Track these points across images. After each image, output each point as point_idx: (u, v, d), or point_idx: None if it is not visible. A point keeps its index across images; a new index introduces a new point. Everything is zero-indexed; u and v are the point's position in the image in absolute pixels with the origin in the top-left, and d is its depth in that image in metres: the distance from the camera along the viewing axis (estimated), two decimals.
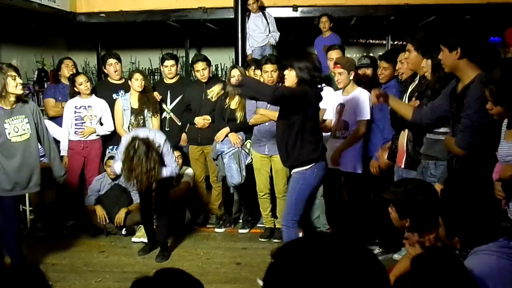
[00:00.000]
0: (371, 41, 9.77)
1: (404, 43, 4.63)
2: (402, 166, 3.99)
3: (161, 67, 5.92)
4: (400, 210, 2.64)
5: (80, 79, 5.56)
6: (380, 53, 6.83)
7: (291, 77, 3.86)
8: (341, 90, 4.80)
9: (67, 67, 5.99)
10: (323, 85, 4.95)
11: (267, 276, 1.10)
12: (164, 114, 5.86)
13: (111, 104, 5.70)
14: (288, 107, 3.84)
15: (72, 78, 5.64)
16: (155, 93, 5.71)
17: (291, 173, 4.01)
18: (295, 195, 3.92)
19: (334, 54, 5.32)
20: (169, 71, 5.77)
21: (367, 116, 4.62)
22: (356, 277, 1.02)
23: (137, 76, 5.51)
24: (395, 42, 9.11)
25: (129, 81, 5.56)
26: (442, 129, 3.51)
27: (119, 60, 5.92)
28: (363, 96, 4.65)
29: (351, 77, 4.66)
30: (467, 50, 3.10)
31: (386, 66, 4.73)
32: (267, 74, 4.99)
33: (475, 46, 3.16)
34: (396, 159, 4.15)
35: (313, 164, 3.88)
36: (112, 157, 5.38)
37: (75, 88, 5.55)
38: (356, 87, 4.71)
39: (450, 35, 3.19)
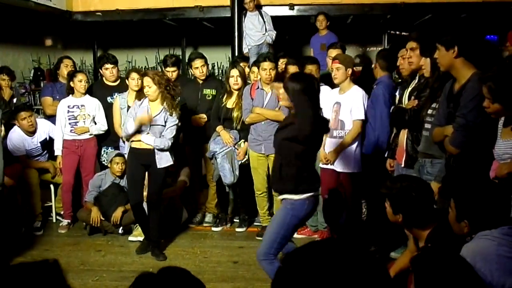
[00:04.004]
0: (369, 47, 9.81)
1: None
2: (402, 165, 4.00)
3: (164, 70, 5.83)
4: (393, 205, 2.70)
5: (81, 77, 5.57)
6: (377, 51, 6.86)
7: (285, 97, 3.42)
8: (337, 89, 4.80)
9: (66, 67, 6.00)
10: (321, 84, 4.97)
11: (275, 281, 1.12)
12: None
13: (105, 105, 5.69)
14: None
15: (72, 74, 5.63)
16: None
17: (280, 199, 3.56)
18: (282, 229, 3.44)
19: (334, 52, 5.31)
20: (171, 76, 5.70)
21: (361, 116, 4.63)
22: (362, 284, 1.04)
23: (134, 75, 5.37)
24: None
25: (126, 80, 5.54)
26: None
27: (116, 63, 5.87)
28: (358, 95, 4.65)
29: (348, 74, 4.65)
30: (464, 49, 3.10)
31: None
32: (265, 71, 5.00)
33: (472, 45, 3.16)
34: (396, 156, 4.16)
35: (305, 195, 3.43)
36: (119, 155, 5.39)
37: (71, 84, 5.53)
38: (352, 85, 4.72)
39: (447, 33, 3.19)
